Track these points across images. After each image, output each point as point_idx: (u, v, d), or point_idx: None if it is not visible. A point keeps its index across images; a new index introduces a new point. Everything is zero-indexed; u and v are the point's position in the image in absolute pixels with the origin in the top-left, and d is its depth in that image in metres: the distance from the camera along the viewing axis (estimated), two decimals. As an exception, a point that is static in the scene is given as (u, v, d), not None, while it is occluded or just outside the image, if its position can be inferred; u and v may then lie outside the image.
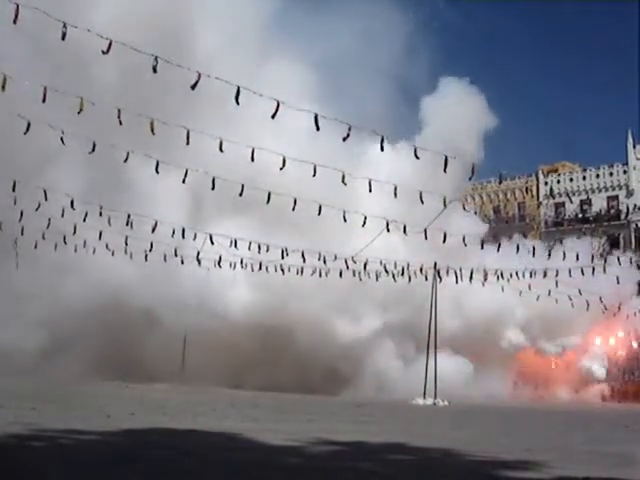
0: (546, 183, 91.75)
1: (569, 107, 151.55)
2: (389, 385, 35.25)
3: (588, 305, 34.16)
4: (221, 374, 35.62)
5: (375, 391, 34.55)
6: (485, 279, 32.24)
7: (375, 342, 36.99)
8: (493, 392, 36.27)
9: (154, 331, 35.37)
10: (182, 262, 30.17)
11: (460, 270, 31.36)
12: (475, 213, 54.94)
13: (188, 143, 16.72)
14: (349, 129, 16.25)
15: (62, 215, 23.86)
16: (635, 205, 69.53)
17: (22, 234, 26.80)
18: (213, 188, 20.49)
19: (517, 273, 31.47)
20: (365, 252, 28.92)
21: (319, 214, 21.87)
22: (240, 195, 20.88)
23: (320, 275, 30.89)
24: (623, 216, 65.35)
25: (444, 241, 24.83)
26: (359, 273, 30.38)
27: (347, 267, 29.98)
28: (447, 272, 31.97)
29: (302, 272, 30.61)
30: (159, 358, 35.07)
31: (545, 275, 30.92)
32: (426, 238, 24.54)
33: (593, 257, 28.45)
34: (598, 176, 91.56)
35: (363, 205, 24.89)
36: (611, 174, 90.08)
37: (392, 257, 30.46)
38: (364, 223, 23.29)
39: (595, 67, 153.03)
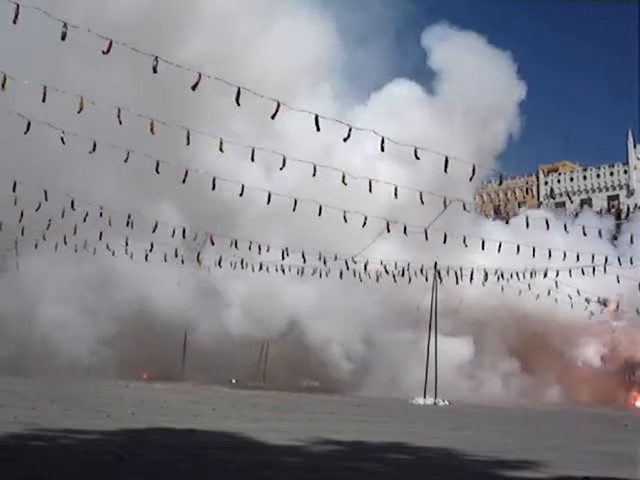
0: (546, 183, 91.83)
1: (570, 106, 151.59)
2: (389, 384, 35.20)
3: (588, 303, 34.28)
4: (225, 375, 36.06)
5: (376, 390, 34.50)
6: (485, 279, 32.23)
7: (375, 344, 37.04)
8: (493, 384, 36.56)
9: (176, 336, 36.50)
10: (182, 262, 30.22)
11: (460, 270, 31.38)
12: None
13: (188, 143, 16.72)
14: (349, 130, 16.25)
15: (57, 212, 23.91)
16: (636, 204, 69.62)
17: (22, 234, 26.87)
18: (214, 188, 20.48)
19: (517, 273, 31.46)
20: (365, 252, 28.93)
21: (319, 214, 21.84)
22: (240, 195, 20.88)
23: (320, 276, 30.93)
24: (624, 216, 65.40)
25: (444, 241, 24.79)
26: (359, 274, 30.38)
27: (347, 268, 29.98)
28: (447, 272, 31.95)
29: (302, 272, 30.65)
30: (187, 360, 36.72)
31: (545, 275, 30.90)
32: (427, 238, 24.50)
33: (593, 257, 28.29)
34: (599, 176, 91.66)
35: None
36: (612, 174, 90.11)
37: (392, 257, 30.47)
38: (364, 224, 23.25)
39: (596, 67, 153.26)
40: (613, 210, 70.76)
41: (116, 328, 34.21)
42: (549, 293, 33.06)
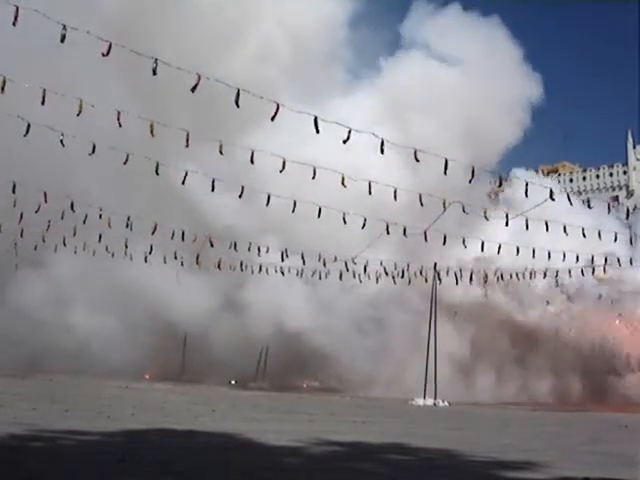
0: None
1: (569, 106, 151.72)
2: (389, 385, 35.24)
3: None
4: (225, 376, 36.28)
5: (376, 391, 34.53)
6: (485, 281, 32.24)
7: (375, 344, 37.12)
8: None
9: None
10: (182, 264, 30.20)
11: (460, 271, 31.37)
12: None
13: (187, 146, 16.71)
14: (349, 132, 16.22)
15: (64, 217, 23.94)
16: (635, 205, 69.53)
17: (21, 236, 26.85)
18: (213, 189, 20.48)
19: (517, 274, 31.44)
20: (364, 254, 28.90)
21: (319, 216, 21.78)
22: (240, 197, 20.87)
23: (320, 277, 30.90)
24: (624, 216, 65.29)
25: (444, 243, 24.74)
26: (359, 275, 30.32)
27: (347, 269, 29.91)
28: (447, 272, 31.93)
29: (302, 274, 30.61)
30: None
31: (545, 276, 30.91)
32: (426, 240, 24.46)
33: (593, 257, 28.30)
34: (598, 176, 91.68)
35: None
36: (611, 174, 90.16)
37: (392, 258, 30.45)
38: (364, 225, 23.18)
39: (596, 66, 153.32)
40: (614, 210, 70.71)
41: (133, 331, 34.85)
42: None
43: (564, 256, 27.51)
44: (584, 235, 24.55)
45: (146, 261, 29.01)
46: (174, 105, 28.32)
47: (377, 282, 32.03)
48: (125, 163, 18.69)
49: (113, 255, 29.41)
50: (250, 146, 18.13)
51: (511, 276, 31.61)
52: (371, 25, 50.08)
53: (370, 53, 48.53)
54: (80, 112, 15.19)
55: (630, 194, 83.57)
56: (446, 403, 30.58)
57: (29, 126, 16.40)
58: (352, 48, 45.65)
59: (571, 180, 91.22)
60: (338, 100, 39.51)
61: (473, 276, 31.35)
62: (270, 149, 18.56)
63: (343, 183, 19.09)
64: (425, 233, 24.14)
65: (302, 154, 20.92)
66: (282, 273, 30.53)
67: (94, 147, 17.77)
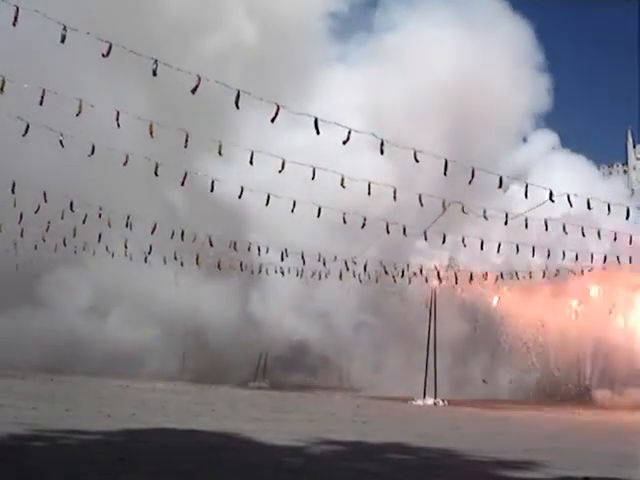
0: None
1: (568, 105, 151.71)
2: (389, 385, 35.24)
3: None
4: (225, 375, 36.35)
5: (376, 391, 34.53)
6: (485, 279, 32.24)
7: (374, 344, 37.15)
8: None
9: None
10: (182, 264, 30.17)
11: (459, 269, 31.39)
12: None
13: (186, 146, 16.70)
14: (349, 132, 16.22)
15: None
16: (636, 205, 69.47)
17: (21, 236, 26.86)
18: (212, 190, 20.45)
19: (517, 273, 31.42)
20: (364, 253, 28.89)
21: (318, 216, 21.74)
22: (239, 197, 20.84)
23: (320, 277, 30.88)
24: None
25: (443, 242, 24.73)
26: (359, 275, 30.30)
27: (347, 269, 29.87)
28: (447, 271, 31.95)
29: (302, 274, 30.58)
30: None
31: (544, 275, 30.89)
32: (425, 239, 24.49)
33: (593, 256, 28.24)
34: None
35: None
36: (610, 174, 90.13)
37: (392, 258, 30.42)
38: (363, 225, 23.16)
39: (595, 66, 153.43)
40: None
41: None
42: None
43: (564, 255, 27.52)
44: (583, 234, 24.56)
45: (146, 261, 29.03)
46: (173, 106, 28.26)
47: (377, 282, 32.03)
48: (125, 164, 18.69)
49: (113, 255, 29.43)
50: (249, 146, 18.12)
51: (511, 275, 31.61)
52: (353, 16, 48.49)
53: (354, 45, 47.21)
54: (80, 112, 15.20)
55: (630, 193, 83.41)
56: (446, 403, 30.58)
57: (28, 126, 16.41)
58: (336, 41, 44.77)
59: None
60: (326, 96, 38.96)
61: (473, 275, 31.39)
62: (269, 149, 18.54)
63: (342, 184, 19.07)
64: (425, 233, 24.17)
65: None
66: (282, 273, 30.51)
67: (93, 148, 17.78)
